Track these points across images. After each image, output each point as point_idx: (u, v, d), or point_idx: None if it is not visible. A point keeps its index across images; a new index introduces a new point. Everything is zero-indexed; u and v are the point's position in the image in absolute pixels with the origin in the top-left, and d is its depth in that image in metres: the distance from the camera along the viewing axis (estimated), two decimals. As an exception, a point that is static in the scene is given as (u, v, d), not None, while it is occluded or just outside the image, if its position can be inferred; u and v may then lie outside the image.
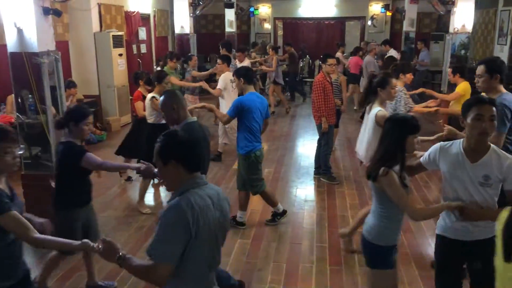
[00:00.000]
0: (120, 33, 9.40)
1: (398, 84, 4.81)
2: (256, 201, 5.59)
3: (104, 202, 5.46)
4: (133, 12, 10.48)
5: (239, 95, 4.97)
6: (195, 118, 3.43)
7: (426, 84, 11.46)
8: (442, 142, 2.71)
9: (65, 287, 3.74)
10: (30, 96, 5.43)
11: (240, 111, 4.45)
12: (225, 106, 6.24)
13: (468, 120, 2.50)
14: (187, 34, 12.95)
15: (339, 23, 16.67)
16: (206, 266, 2.07)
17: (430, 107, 5.17)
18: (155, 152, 2.03)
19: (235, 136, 4.86)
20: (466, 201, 2.53)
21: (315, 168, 6.41)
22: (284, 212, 4.93)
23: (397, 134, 2.61)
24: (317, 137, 6.33)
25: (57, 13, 5.60)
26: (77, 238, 2.52)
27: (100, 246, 2.06)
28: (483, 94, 3.38)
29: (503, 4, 11.57)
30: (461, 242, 2.64)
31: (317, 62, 13.85)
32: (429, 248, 4.35)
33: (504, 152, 2.59)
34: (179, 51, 11.97)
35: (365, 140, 4.06)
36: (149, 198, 5.73)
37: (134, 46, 10.69)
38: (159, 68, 11.31)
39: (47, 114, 5.32)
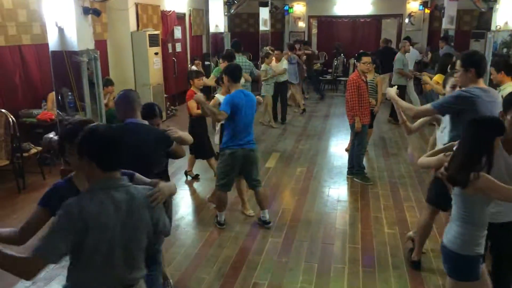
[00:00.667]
0: (156, 32, 9.56)
1: None
2: (287, 200, 5.58)
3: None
4: (169, 11, 10.64)
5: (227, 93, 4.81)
6: (142, 121, 3.15)
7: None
8: None
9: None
10: (69, 93, 5.61)
11: (231, 108, 4.41)
12: None
13: (509, 117, 2.61)
14: (221, 33, 13.03)
15: (375, 20, 16.37)
16: (110, 267, 1.98)
17: None
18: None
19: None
20: None
21: (348, 168, 6.33)
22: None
23: (484, 137, 2.46)
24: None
25: (97, 13, 5.76)
26: None
27: None
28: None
29: (550, 0, 11.06)
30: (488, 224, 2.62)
31: (352, 61, 13.68)
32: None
33: None
34: (213, 51, 12.07)
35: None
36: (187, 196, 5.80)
37: (170, 45, 10.85)
38: (194, 67, 11.49)
39: (86, 111, 5.48)
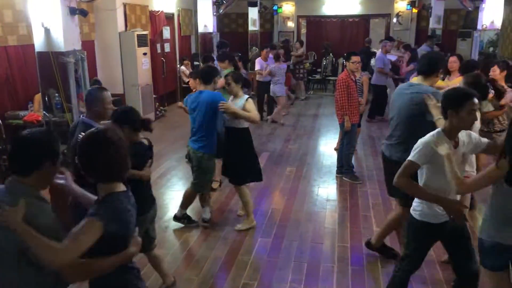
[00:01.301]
0: (144, 32, 9.51)
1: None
2: (277, 200, 5.59)
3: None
4: (158, 11, 10.59)
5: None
6: (89, 122, 3.16)
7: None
8: None
9: None
10: (56, 94, 5.56)
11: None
12: None
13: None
14: (210, 33, 13.02)
15: (363, 20, 16.45)
16: None
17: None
18: None
19: None
20: None
21: (337, 167, 6.36)
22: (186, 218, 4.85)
23: None
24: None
25: (83, 13, 5.73)
26: None
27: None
28: None
29: (535, 0, 11.22)
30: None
31: (341, 60, 13.74)
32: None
33: None
34: (202, 51, 12.05)
35: None
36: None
37: (158, 45, 10.81)
38: (182, 67, 11.46)
39: (73, 113, 5.43)
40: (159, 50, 10.82)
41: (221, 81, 5.16)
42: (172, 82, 11.70)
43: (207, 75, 4.52)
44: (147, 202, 3.31)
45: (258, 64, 9.54)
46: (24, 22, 6.68)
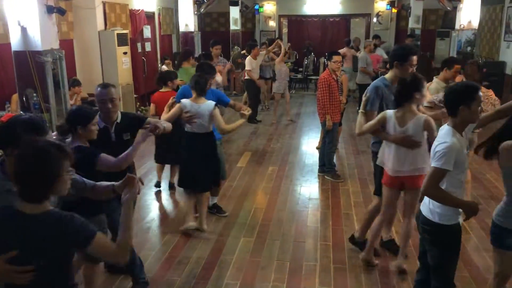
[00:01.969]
0: (124, 31, 9.40)
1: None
2: (259, 199, 5.59)
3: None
4: (138, 10, 10.48)
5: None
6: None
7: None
8: None
9: None
10: (34, 94, 5.46)
11: None
12: None
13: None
14: (191, 32, 12.95)
15: (344, 20, 16.59)
16: None
17: None
18: None
19: None
20: None
21: (319, 166, 6.39)
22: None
23: None
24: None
25: (61, 12, 5.64)
26: None
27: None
28: None
29: (510, 0, 11.46)
30: None
31: (322, 60, 13.82)
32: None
33: None
34: (183, 50, 11.97)
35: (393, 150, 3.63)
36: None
37: (139, 45, 10.70)
38: (164, 67, 11.36)
39: (51, 113, 5.34)
40: (139, 49, 10.71)
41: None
42: (153, 81, 11.58)
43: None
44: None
45: (249, 64, 9.43)
46: (0, 20, 6.54)
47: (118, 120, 3.41)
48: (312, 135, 8.59)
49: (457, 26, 11.98)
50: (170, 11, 12.93)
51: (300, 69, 14.44)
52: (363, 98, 3.83)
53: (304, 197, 5.63)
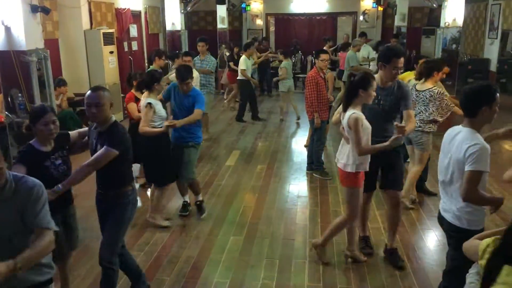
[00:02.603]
0: (110, 30, 9.33)
1: (430, 84, 4.84)
2: (248, 198, 5.59)
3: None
4: (124, 9, 10.40)
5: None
6: None
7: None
8: None
9: None
10: (19, 95, 5.39)
11: None
12: None
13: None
14: (178, 31, 12.89)
15: (330, 18, 16.66)
16: None
17: None
18: None
19: None
20: None
21: (307, 164, 6.42)
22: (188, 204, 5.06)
23: None
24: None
25: (46, 11, 5.58)
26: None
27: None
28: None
29: (494, -2, 11.64)
30: None
31: (310, 58, 13.86)
32: (421, 241, 4.40)
33: None
34: (171, 48, 11.91)
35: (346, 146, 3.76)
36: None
37: (126, 44, 10.62)
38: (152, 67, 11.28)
39: (36, 113, 5.27)
40: (126, 49, 10.63)
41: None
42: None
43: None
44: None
45: (244, 63, 9.36)
46: (-17, 20, 6.44)
47: (103, 129, 3.12)
48: (300, 133, 8.62)
49: (442, 24, 12.11)
50: (157, 9, 12.86)
51: (288, 68, 14.43)
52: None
53: (292, 195, 5.65)
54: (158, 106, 4.57)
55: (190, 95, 4.64)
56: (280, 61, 14.59)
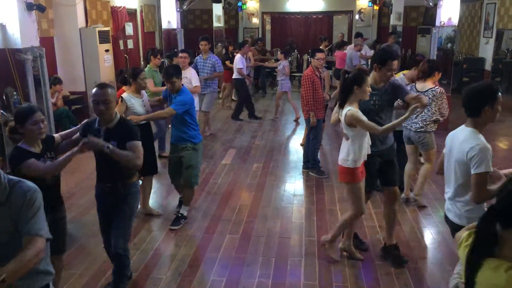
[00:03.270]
0: (106, 28, 9.30)
1: (431, 84, 4.88)
2: (245, 196, 5.60)
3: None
4: (120, 7, 10.38)
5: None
6: None
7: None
8: None
9: None
10: (15, 93, 5.37)
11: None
12: None
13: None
14: (174, 29, 12.85)
15: (326, 17, 16.68)
16: None
17: None
18: None
19: None
20: None
21: (303, 163, 6.44)
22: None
23: None
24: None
25: (41, 9, 5.55)
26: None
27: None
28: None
29: (489, -3, 11.69)
30: None
31: (306, 57, 13.87)
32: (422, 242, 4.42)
33: None
34: (167, 47, 11.88)
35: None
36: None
37: (121, 42, 10.59)
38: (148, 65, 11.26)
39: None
40: (122, 47, 10.62)
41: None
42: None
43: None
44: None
45: (240, 62, 9.39)
46: (-22, 17, 6.41)
47: (111, 126, 3.22)
48: (296, 131, 8.63)
49: (437, 23, 12.15)
50: (152, 8, 12.83)
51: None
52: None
53: (288, 194, 5.66)
54: (133, 101, 4.60)
55: (179, 95, 4.58)
56: (276, 60, 14.64)
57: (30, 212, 2.03)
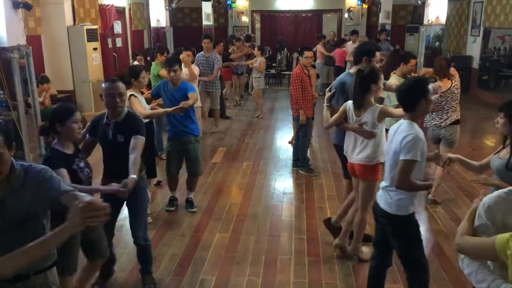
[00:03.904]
0: (94, 26, 9.24)
1: (448, 80, 4.93)
2: (234, 195, 5.60)
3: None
4: (108, 5, 10.30)
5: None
6: None
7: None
8: None
9: None
10: (1, 92, 5.32)
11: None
12: None
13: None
14: (163, 28, 12.80)
15: (316, 15, 16.72)
16: None
17: None
18: None
19: None
20: None
21: (293, 161, 6.45)
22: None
23: None
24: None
25: (27, 7, 5.50)
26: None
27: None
28: None
29: (476, -4, 11.79)
30: None
31: (295, 55, 13.90)
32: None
33: None
34: (156, 45, 11.83)
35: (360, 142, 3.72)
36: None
37: (110, 40, 10.52)
38: (136, 63, 11.20)
39: (18, 111, 5.21)
40: (110, 45, 10.54)
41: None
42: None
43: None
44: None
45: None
46: (-37, 15, 6.32)
47: (119, 119, 3.30)
48: (285, 130, 8.64)
49: (425, 22, 12.24)
50: (141, 6, 12.76)
51: (274, 65, 14.48)
52: (327, 93, 4.04)
53: (278, 192, 5.67)
54: (140, 98, 4.62)
55: (180, 88, 4.69)
56: (266, 58, 14.64)
57: (53, 181, 2.08)
